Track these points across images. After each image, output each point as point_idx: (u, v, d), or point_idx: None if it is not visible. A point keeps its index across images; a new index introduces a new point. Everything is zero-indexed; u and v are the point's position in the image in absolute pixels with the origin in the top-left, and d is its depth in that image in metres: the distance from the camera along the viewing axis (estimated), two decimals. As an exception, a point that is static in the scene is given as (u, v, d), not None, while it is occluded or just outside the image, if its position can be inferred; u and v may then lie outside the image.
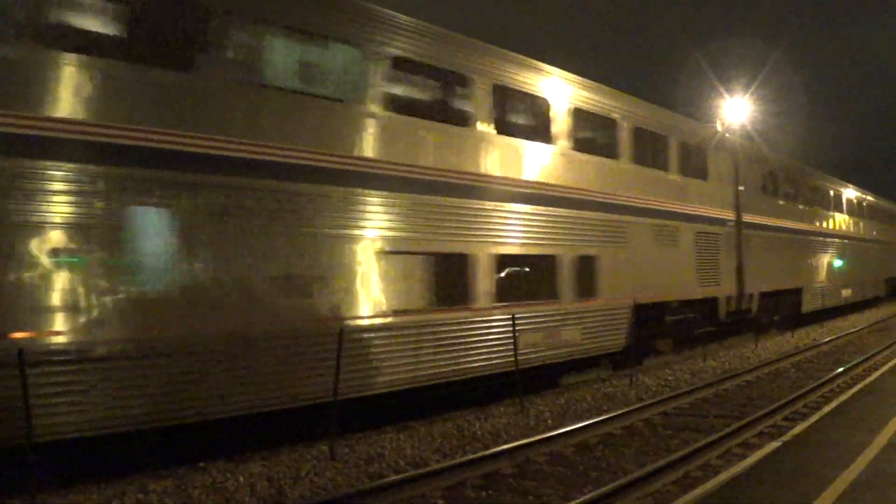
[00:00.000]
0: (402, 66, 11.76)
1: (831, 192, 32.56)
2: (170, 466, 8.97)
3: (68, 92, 8.29)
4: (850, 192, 35.76)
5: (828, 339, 23.54)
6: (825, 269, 30.20)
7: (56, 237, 8.05)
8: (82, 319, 8.14)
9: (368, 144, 10.98)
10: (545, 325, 13.55)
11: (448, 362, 11.75)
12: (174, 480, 8.48)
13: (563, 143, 14.53)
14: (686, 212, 18.55)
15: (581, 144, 15.06)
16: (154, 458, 8.98)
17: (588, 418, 11.31)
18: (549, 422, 11.51)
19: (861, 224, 36.89)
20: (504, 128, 13.33)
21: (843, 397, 11.93)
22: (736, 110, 34.63)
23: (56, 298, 7.99)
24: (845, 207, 34.37)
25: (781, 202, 26.13)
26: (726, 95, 33.21)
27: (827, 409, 10.93)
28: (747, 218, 22.20)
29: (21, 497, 7.54)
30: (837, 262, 31.74)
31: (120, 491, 8.06)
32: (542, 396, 13.65)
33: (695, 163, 19.51)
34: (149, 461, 8.92)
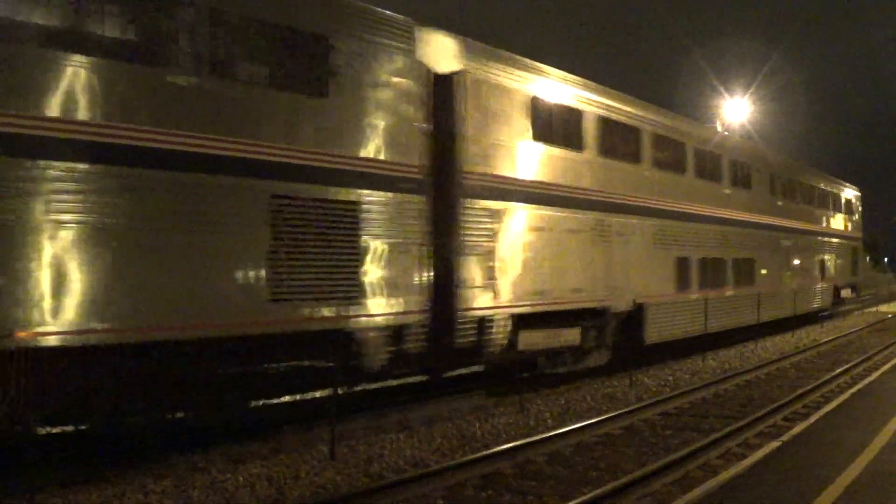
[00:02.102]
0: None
1: None
2: (170, 466, 8.96)
3: None
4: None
5: (828, 339, 23.55)
6: None
7: None
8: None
9: None
10: None
11: None
12: (174, 480, 8.47)
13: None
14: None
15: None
16: (154, 458, 8.99)
17: (588, 418, 11.31)
18: (549, 422, 11.51)
19: None
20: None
21: (843, 397, 11.94)
22: (736, 110, 34.66)
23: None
24: None
25: None
26: (726, 95, 33.23)
27: (827, 409, 10.93)
28: None
29: (21, 497, 7.54)
30: None
31: (120, 491, 8.06)
32: (542, 396, 13.64)
33: None
34: (149, 461, 8.93)
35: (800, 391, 13.57)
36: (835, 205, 32.78)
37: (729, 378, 15.45)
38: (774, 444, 8.78)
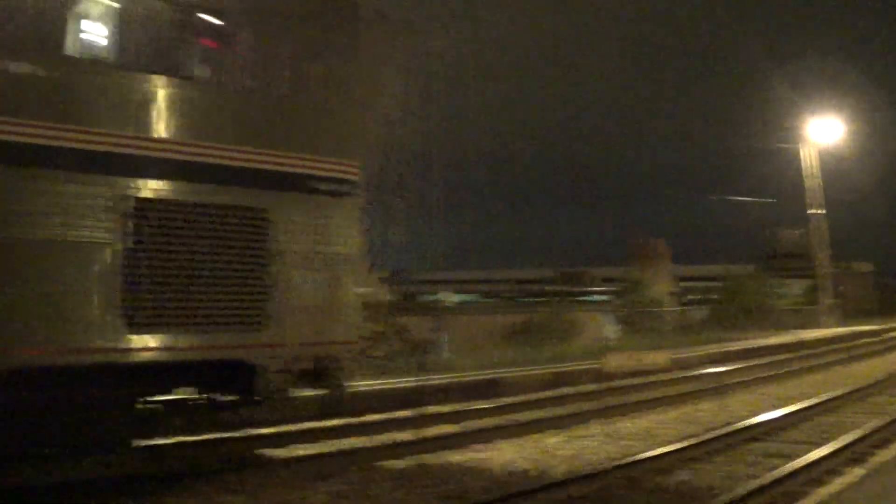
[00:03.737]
0: None
1: None
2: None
3: None
4: None
5: None
6: None
7: None
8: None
9: None
10: None
11: None
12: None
13: None
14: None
15: None
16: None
17: (673, 443, 11.54)
18: (634, 446, 11.74)
19: None
20: None
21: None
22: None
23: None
24: None
25: None
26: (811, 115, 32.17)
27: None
28: None
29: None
30: None
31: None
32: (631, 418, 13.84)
33: None
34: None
35: (887, 418, 13.43)
36: None
37: (817, 404, 15.32)
38: (860, 471, 8.89)
